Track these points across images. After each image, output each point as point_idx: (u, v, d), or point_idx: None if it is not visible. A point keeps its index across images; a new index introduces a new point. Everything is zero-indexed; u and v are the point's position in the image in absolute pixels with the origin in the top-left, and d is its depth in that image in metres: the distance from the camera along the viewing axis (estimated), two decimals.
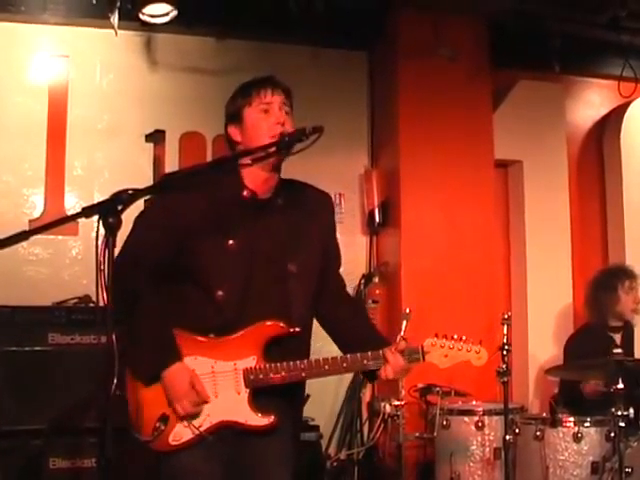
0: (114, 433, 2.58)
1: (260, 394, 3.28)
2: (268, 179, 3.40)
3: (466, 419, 5.54)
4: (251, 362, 3.28)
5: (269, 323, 3.29)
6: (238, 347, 3.28)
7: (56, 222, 2.79)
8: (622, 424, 4.77)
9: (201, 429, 3.25)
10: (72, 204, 6.22)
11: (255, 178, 3.38)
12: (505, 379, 5.10)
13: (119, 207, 2.63)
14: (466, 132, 6.78)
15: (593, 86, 7.87)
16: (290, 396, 3.38)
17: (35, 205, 6.17)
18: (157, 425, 3.25)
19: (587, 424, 5.14)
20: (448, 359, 3.38)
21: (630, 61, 7.04)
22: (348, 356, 3.31)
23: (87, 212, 2.66)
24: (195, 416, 3.25)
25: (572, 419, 5.18)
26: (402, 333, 5.33)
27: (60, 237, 6.11)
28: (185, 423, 3.25)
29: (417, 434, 5.87)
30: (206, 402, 3.25)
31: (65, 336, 5.19)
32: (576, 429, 5.11)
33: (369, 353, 3.32)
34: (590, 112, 7.88)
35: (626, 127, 7.64)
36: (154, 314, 3.31)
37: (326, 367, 3.28)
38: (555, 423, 5.19)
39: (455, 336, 3.41)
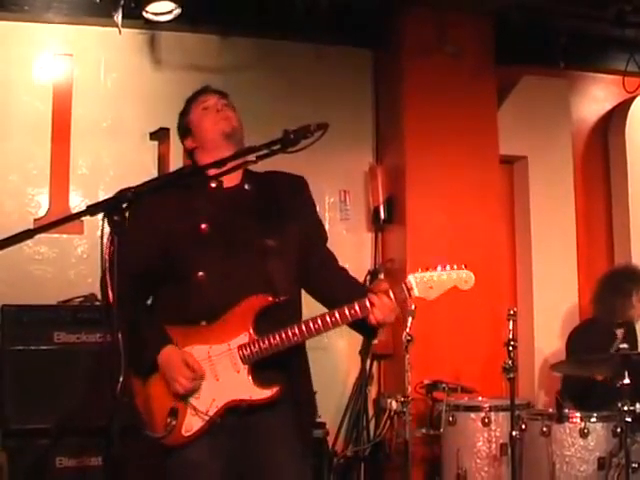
0: (120, 432, 2.59)
1: (260, 369, 3.31)
2: (236, 174, 3.47)
3: (472, 415, 5.54)
4: (244, 339, 3.33)
5: (254, 297, 3.33)
6: (229, 328, 3.33)
7: (61, 220, 2.79)
8: (629, 419, 4.76)
9: (209, 414, 3.29)
10: (77, 203, 6.21)
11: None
12: (511, 375, 5.11)
13: (124, 205, 2.63)
14: (471, 128, 6.77)
15: (598, 81, 7.85)
16: (289, 368, 3.41)
17: (40, 204, 6.17)
18: (168, 420, 3.29)
19: (594, 419, 5.14)
20: (434, 290, 3.37)
21: (635, 56, 7.02)
22: (335, 310, 3.32)
23: (92, 210, 2.66)
24: (196, 394, 3.30)
25: (578, 415, 5.18)
26: (408, 330, 5.35)
27: (65, 236, 6.12)
28: (193, 412, 3.29)
29: (423, 430, 5.87)
30: (202, 377, 3.30)
31: (71, 335, 5.20)
32: (582, 425, 5.11)
33: (354, 302, 3.32)
34: (595, 107, 7.86)
35: (631, 122, 7.62)
36: (140, 314, 3.40)
37: (316, 326, 3.30)
38: (561, 419, 5.18)
39: (438, 266, 3.38)
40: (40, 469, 4.94)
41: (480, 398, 5.85)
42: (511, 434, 5.12)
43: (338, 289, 3.55)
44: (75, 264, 6.16)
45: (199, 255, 3.37)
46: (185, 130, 3.68)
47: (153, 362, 3.32)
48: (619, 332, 6.12)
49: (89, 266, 6.08)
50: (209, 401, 3.32)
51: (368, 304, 3.32)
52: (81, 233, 6.14)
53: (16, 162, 6.15)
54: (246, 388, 3.31)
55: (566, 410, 5.29)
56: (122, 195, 2.65)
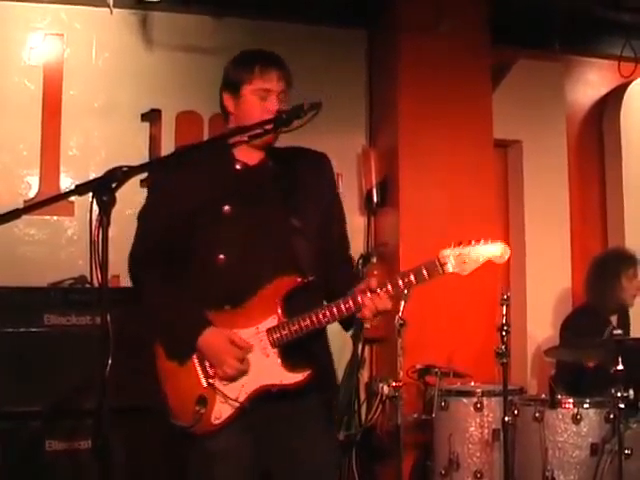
0: (109, 414, 2.56)
1: (289, 353, 3.26)
2: (259, 153, 3.43)
3: (465, 400, 5.53)
4: (272, 322, 3.26)
5: (283, 278, 3.27)
6: (256, 311, 3.27)
7: (49, 200, 2.76)
8: (622, 405, 4.76)
9: (239, 401, 3.23)
10: (67, 184, 6.16)
11: (246, 153, 3.41)
12: (504, 360, 5.09)
13: (113, 185, 2.59)
14: (465, 111, 6.73)
15: (593, 66, 7.82)
16: (315, 351, 3.37)
17: (30, 185, 6.12)
18: (196, 409, 3.22)
19: (586, 405, 5.12)
20: (468, 264, 3.25)
21: (630, 41, 7.01)
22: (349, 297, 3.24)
23: (81, 190, 2.63)
24: (224, 381, 3.24)
25: (571, 400, 5.16)
26: (400, 314, 5.32)
27: (56, 217, 6.08)
28: (222, 399, 3.23)
29: (415, 415, 5.86)
30: (250, 352, 3.23)
31: (61, 317, 5.15)
32: (575, 410, 5.09)
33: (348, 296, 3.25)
34: (590, 92, 7.84)
35: (626, 107, 7.61)
36: (174, 296, 3.35)
37: (347, 305, 3.22)
38: (554, 404, 5.16)
39: (472, 241, 3.27)
40: (30, 452, 4.91)
41: (472, 383, 5.85)
42: (503, 419, 5.10)
43: (337, 281, 3.46)
44: (65, 246, 6.12)
45: (220, 237, 3.31)
46: (231, 87, 3.44)
47: (193, 346, 3.25)
48: (613, 318, 6.12)
49: (79, 248, 6.04)
50: (238, 387, 3.25)
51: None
52: (71, 215, 6.09)
53: (6, 143, 6.10)
54: (276, 372, 3.25)
55: (559, 396, 5.26)
56: (111, 175, 2.61)
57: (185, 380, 3.28)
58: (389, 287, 3.23)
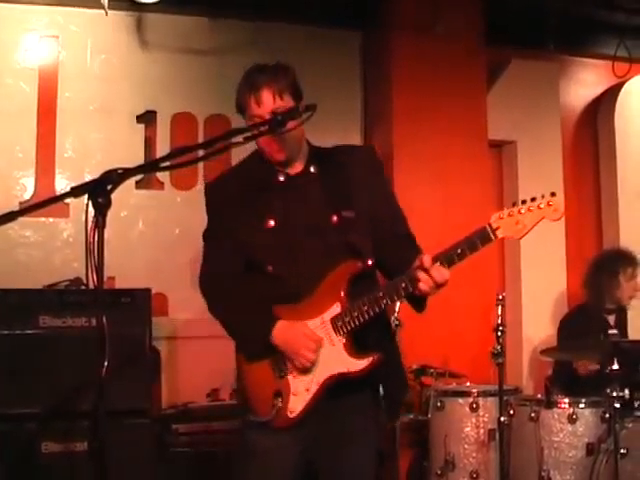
0: (106, 416, 2.56)
1: (354, 340, 3.27)
2: (297, 158, 3.46)
3: (460, 400, 5.52)
4: (336, 309, 3.27)
5: (344, 264, 3.28)
6: (320, 300, 3.29)
7: (45, 202, 2.75)
8: (617, 405, 4.76)
9: (310, 392, 3.27)
10: (63, 186, 6.15)
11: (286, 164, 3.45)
12: (500, 360, 5.10)
13: (108, 187, 2.59)
14: (460, 112, 6.75)
15: (587, 66, 7.84)
16: (380, 337, 3.39)
17: (25, 187, 6.11)
18: (275, 403, 3.28)
19: (582, 405, 5.12)
20: (522, 225, 3.18)
21: (625, 41, 7.02)
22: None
23: (76, 192, 2.62)
24: (295, 373, 3.29)
25: (567, 400, 5.16)
26: (396, 314, 5.32)
27: (51, 219, 6.07)
28: (295, 392, 3.27)
29: (411, 416, 5.86)
30: (321, 346, 3.25)
31: (56, 319, 5.15)
32: (571, 410, 5.09)
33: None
34: (584, 92, 7.85)
35: (620, 107, 7.63)
36: (239, 297, 3.43)
37: (403, 284, 3.20)
38: (550, 404, 5.16)
39: (525, 200, 3.20)
40: (25, 454, 4.91)
41: (468, 383, 5.86)
42: (499, 419, 5.11)
43: (400, 259, 3.37)
44: (61, 248, 6.11)
45: (266, 251, 3.35)
46: (243, 114, 3.44)
47: (266, 342, 3.29)
48: (610, 318, 6.13)
49: (75, 250, 6.03)
50: (309, 379, 3.28)
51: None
52: (67, 217, 6.10)
53: (1, 145, 6.09)
54: (342, 360, 3.25)
55: (554, 395, 5.28)
56: (107, 177, 2.61)
57: (261, 376, 3.34)
58: (443, 262, 3.20)
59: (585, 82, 7.85)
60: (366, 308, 3.22)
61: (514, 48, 7.24)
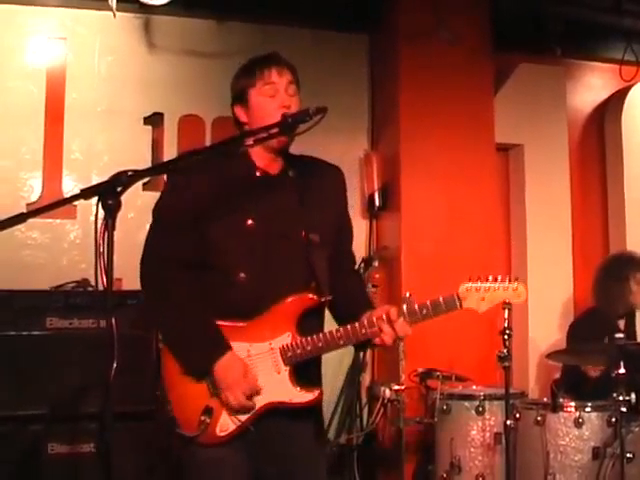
0: (113, 419, 2.56)
1: (299, 372, 3.23)
2: (277, 159, 3.39)
3: (466, 404, 5.53)
4: (286, 339, 3.22)
5: (300, 296, 3.24)
6: (271, 326, 3.23)
7: (54, 204, 2.76)
8: (624, 409, 4.75)
9: (247, 414, 3.20)
10: (70, 188, 6.17)
11: (265, 158, 3.37)
12: (506, 364, 5.09)
13: (118, 189, 2.60)
14: (467, 116, 6.75)
15: (594, 70, 7.84)
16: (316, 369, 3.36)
17: (33, 189, 6.12)
18: (202, 419, 3.19)
19: (588, 409, 5.12)
20: (486, 302, 3.26)
21: (632, 45, 7.02)
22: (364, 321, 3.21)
23: (86, 194, 2.63)
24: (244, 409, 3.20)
25: (573, 404, 5.16)
26: None
27: (58, 221, 6.08)
28: (229, 411, 3.19)
29: (417, 419, 5.86)
30: (258, 394, 3.20)
31: (63, 320, 5.15)
32: (577, 414, 5.09)
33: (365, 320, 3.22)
34: (591, 96, 7.85)
35: (627, 111, 7.62)
36: (192, 308, 3.26)
37: (363, 330, 3.20)
38: (556, 408, 5.16)
39: (490, 277, 3.27)
40: (32, 455, 4.91)
41: (474, 387, 5.85)
42: (505, 423, 5.10)
43: (349, 299, 3.43)
44: (68, 249, 6.12)
45: (242, 252, 3.26)
46: (239, 98, 3.39)
47: (208, 368, 3.19)
48: (621, 322, 6.11)
49: (82, 251, 6.06)
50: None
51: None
52: (74, 218, 6.11)
53: (9, 146, 6.11)
54: (286, 390, 3.21)
55: (560, 399, 5.27)
56: (117, 179, 2.61)
57: (191, 390, 3.24)
58: (406, 317, 3.23)
59: (592, 86, 7.85)
60: (321, 345, 3.19)
61: (521, 52, 7.24)
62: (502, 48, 7.00)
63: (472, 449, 5.45)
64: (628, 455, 4.73)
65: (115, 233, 2.57)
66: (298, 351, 3.21)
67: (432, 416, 5.66)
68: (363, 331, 3.21)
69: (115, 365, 2.51)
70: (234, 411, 3.19)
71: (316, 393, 3.23)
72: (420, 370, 5.94)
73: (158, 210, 3.36)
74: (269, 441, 3.27)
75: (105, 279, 2.54)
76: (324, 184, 3.46)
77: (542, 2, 6.73)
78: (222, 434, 3.21)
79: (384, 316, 3.20)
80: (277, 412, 3.22)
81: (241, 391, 3.16)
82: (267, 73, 3.31)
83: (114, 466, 2.59)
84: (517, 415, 5.19)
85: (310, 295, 3.25)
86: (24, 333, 5.07)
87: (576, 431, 5.08)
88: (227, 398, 3.17)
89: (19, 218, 2.60)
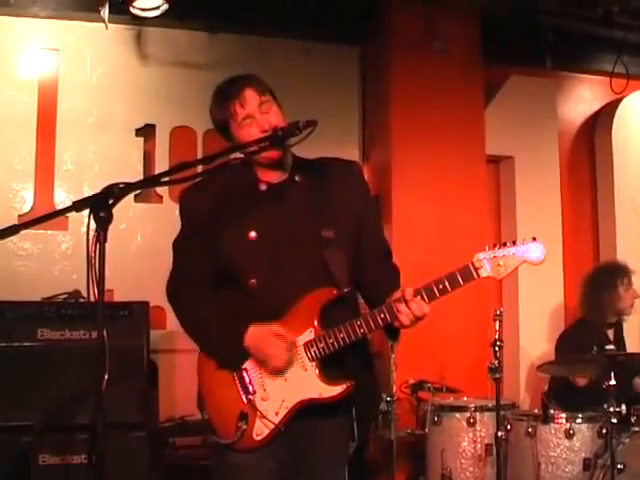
0: (105, 429, 2.56)
1: (328, 366, 3.22)
2: (280, 168, 3.40)
3: (458, 415, 5.53)
4: (309, 335, 3.22)
5: (319, 291, 3.24)
6: (293, 325, 3.23)
7: (47, 216, 2.77)
8: (614, 420, 4.75)
9: (279, 416, 3.22)
10: (62, 199, 6.18)
11: (266, 170, 3.38)
12: (497, 375, 5.10)
13: (110, 201, 2.60)
14: (458, 127, 6.77)
15: (585, 82, 7.87)
16: (355, 363, 3.33)
17: (24, 200, 6.13)
18: (239, 425, 3.22)
19: (579, 420, 5.14)
20: (504, 267, 3.21)
21: (622, 57, 7.05)
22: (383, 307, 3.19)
23: (78, 206, 2.63)
24: (264, 396, 3.23)
25: (564, 415, 5.18)
26: None
27: (50, 232, 6.08)
28: (263, 414, 3.22)
29: (408, 430, 5.86)
30: (294, 344, 3.21)
31: (55, 332, 5.15)
32: (568, 425, 5.11)
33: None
34: (582, 108, 7.88)
35: (617, 123, 7.65)
36: (208, 308, 3.36)
37: (382, 315, 3.17)
38: (547, 419, 5.17)
39: (507, 242, 3.24)
40: (22, 466, 4.90)
41: (465, 398, 5.86)
42: (496, 434, 5.11)
43: (378, 288, 3.37)
44: (59, 260, 6.12)
45: (249, 263, 3.28)
46: (221, 130, 3.41)
47: (240, 346, 3.23)
48: (610, 333, 6.13)
49: (73, 262, 6.06)
50: (279, 402, 3.23)
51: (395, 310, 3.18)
52: (65, 229, 6.12)
53: (1, 157, 6.11)
54: (315, 386, 3.21)
55: (551, 411, 5.28)
56: (109, 191, 2.62)
57: (226, 397, 3.28)
58: (424, 295, 3.21)
59: (583, 98, 7.88)
60: (342, 336, 3.18)
61: (512, 64, 7.27)
62: (493, 60, 7.03)
63: (463, 460, 5.45)
64: (619, 466, 4.71)
65: (106, 244, 2.57)
66: (321, 345, 3.20)
67: (423, 427, 5.67)
68: (382, 315, 3.19)
69: (107, 376, 2.51)
70: (281, 370, 3.22)
71: (344, 386, 3.20)
72: (411, 381, 5.94)
73: (175, 242, 3.49)
74: (295, 440, 3.28)
75: (97, 290, 2.54)
76: (336, 181, 3.44)
77: (533, 14, 6.75)
78: (258, 438, 3.23)
79: (401, 297, 3.18)
80: (307, 411, 3.23)
81: (278, 348, 3.19)
82: (233, 108, 3.30)
83: (105, 477, 2.59)
84: (508, 426, 5.20)
85: (325, 290, 3.25)
86: (15, 344, 5.07)
87: (567, 442, 5.09)
88: (272, 364, 3.21)
89: (11, 230, 2.60)
